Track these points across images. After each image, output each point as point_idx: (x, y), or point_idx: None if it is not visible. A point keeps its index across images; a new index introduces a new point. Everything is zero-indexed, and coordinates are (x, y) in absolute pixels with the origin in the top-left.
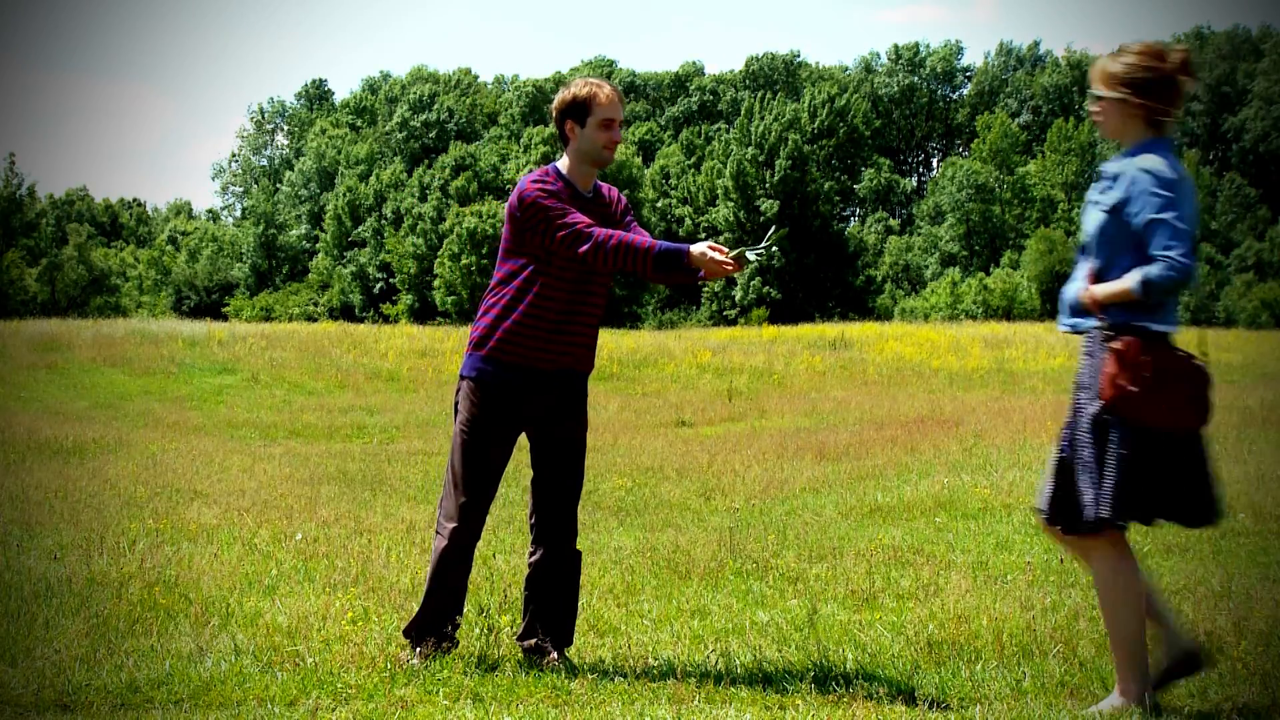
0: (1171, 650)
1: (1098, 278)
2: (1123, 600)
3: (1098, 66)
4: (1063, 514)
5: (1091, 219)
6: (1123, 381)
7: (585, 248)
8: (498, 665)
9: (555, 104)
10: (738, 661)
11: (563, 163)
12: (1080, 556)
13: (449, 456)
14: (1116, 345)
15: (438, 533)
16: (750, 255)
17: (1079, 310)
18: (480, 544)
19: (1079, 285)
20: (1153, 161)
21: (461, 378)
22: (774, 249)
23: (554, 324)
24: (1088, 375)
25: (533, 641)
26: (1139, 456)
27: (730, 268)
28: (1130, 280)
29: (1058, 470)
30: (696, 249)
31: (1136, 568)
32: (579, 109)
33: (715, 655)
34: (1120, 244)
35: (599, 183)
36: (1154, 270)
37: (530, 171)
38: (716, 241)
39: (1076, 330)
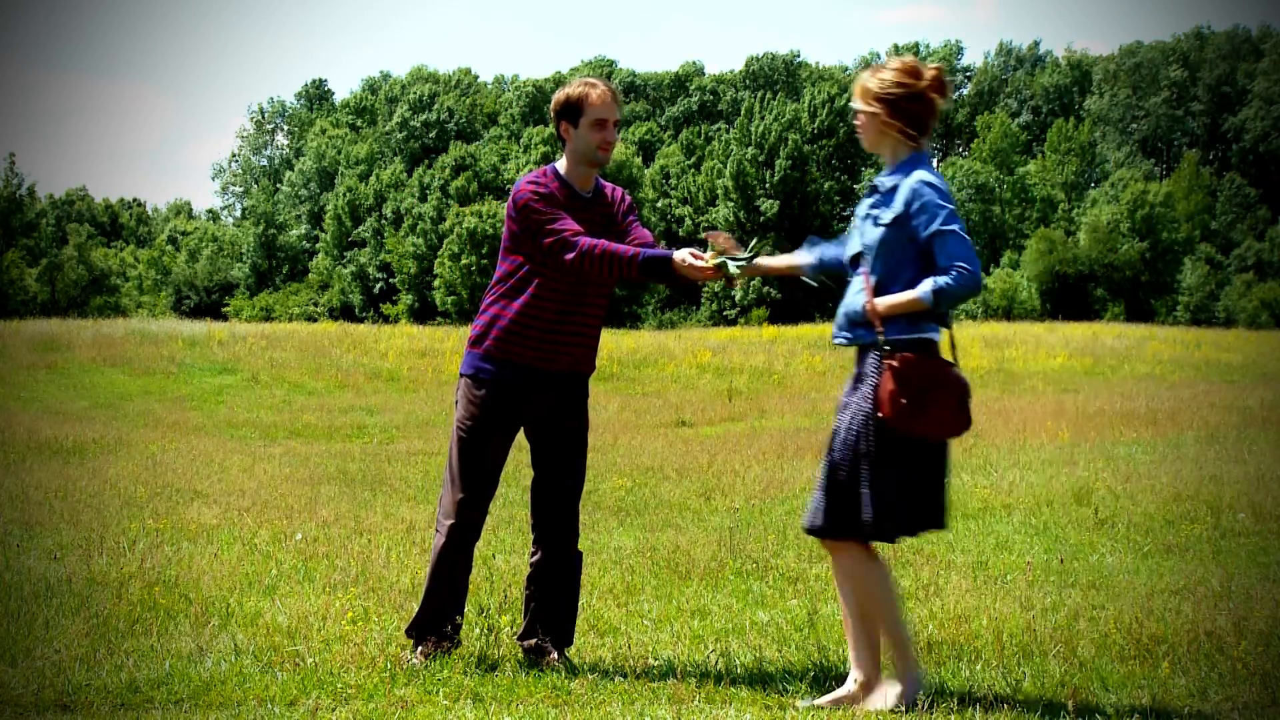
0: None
1: (878, 290)
2: (879, 588)
3: (858, 81)
4: (833, 525)
5: (870, 233)
6: (902, 399)
7: (571, 255)
8: (498, 665)
9: (551, 105)
10: (738, 661)
11: (561, 164)
12: (833, 554)
13: (448, 454)
14: (894, 362)
15: (437, 530)
16: (732, 267)
17: (859, 322)
18: (480, 544)
19: (860, 297)
20: (929, 175)
21: (460, 375)
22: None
23: (551, 323)
24: (863, 388)
25: (533, 641)
26: (912, 468)
27: (711, 273)
28: (921, 290)
29: (829, 482)
30: (678, 256)
31: (885, 566)
32: (572, 109)
33: (715, 655)
34: (902, 257)
35: (602, 182)
36: (947, 280)
37: (530, 172)
38: (721, 232)
39: (854, 343)
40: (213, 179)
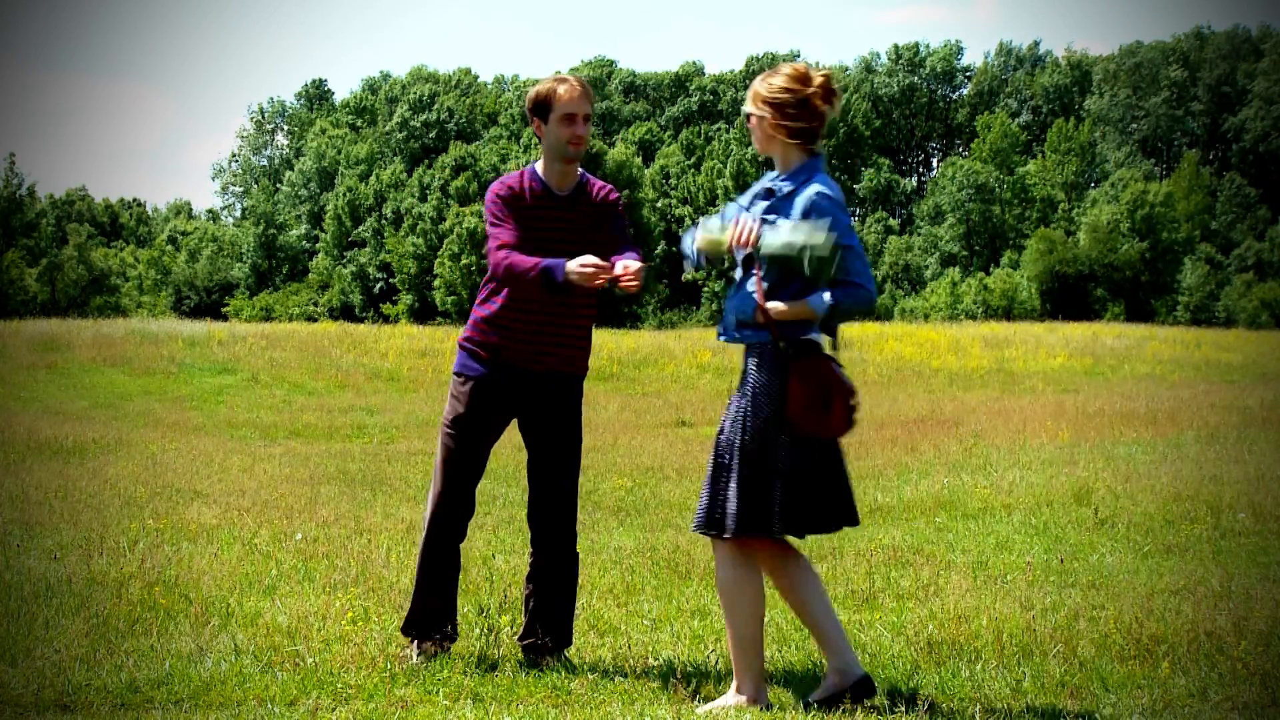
0: (838, 668)
1: (769, 295)
2: (743, 600)
3: (753, 85)
4: (716, 521)
5: (764, 239)
6: (809, 400)
7: (496, 270)
8: (498, 665)
9: (525, 102)
10: None
11: (540, 163)
12: (719, 557)
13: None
14: (800, 364)
15: (424, 526)
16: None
17: (748, 324)
18: (480, 544)
19: (751, 300)
20: (827, 187)
21: (453, 372)
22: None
23: (535, 323)
24: (758, 389)
25: (532, 641)
26: (812, 467)
27: (602, 280)
28: (816, 302)
29: (714, 480)
30: (571, 265)
31: (758, 573)
32: (542, 106)
33: (715, 655)
34: (796, 265)
35: (590, 179)
36: (843, 295)
37: (510, 173)
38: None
39: (742, 342)
40: (213, 179)
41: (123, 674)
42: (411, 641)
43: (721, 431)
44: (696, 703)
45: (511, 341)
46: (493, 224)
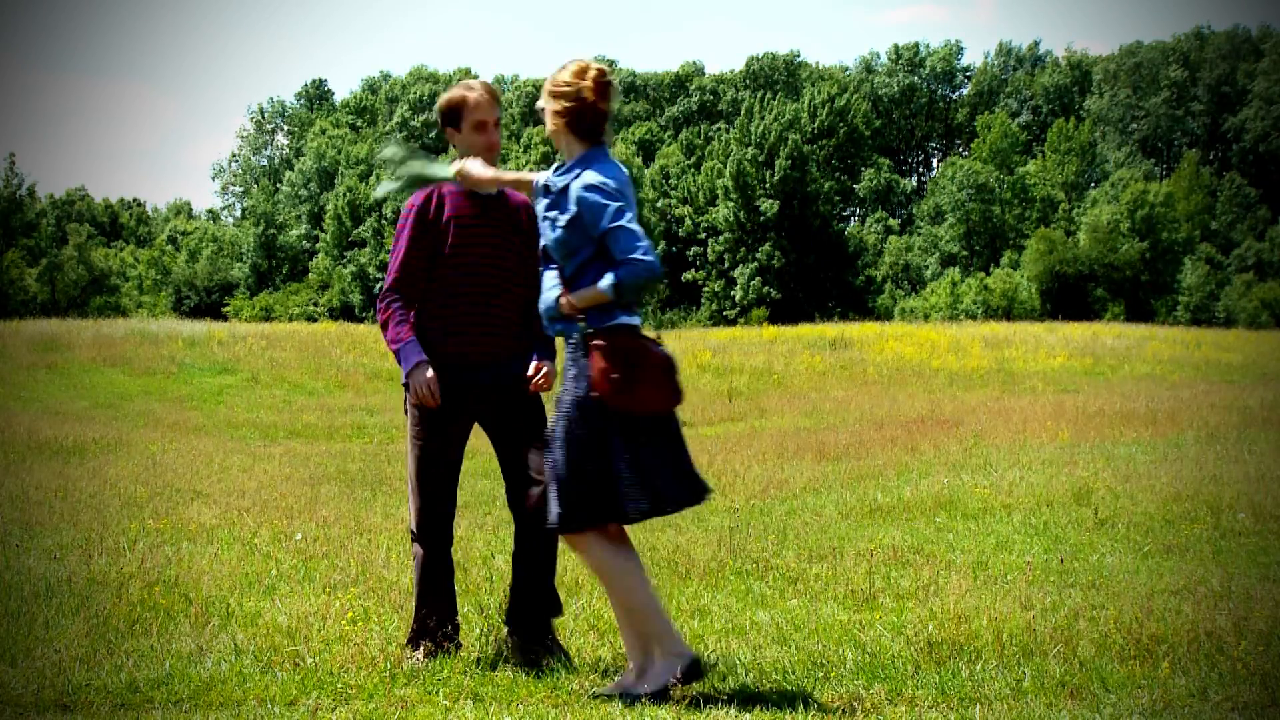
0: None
1: (571, 285)
2: (627, 574)
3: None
4: (572, 516)
5: (550, 234)
6: (614, 374)
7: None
8: (498, 665)
9: (435, 111)
10: (738, 661)
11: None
12: (579, 550)
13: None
14: (599, 342)
15: (413, 540)
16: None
17: (558, 318)
18: (479, 544)
19: (554, 294)
20: (594, 176)
21: None
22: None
23: (465, 311)
24: (577, 376)
25: (524, 633)
26: (634, 448)
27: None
28: (603, 284)
29: (556, 476)
30: (413, 379)
31: (632, 548)
32: (453, 114)
33: (715, 655)
34: (586, 255)
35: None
36: (622, 273)
37: None
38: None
39: (558, 335)
40: (213, 179)
41: (123, 674)
42: (415, 649)
43: (555, 424)
44: (698, 702)
45: (441, 333)
46: (395, 245)
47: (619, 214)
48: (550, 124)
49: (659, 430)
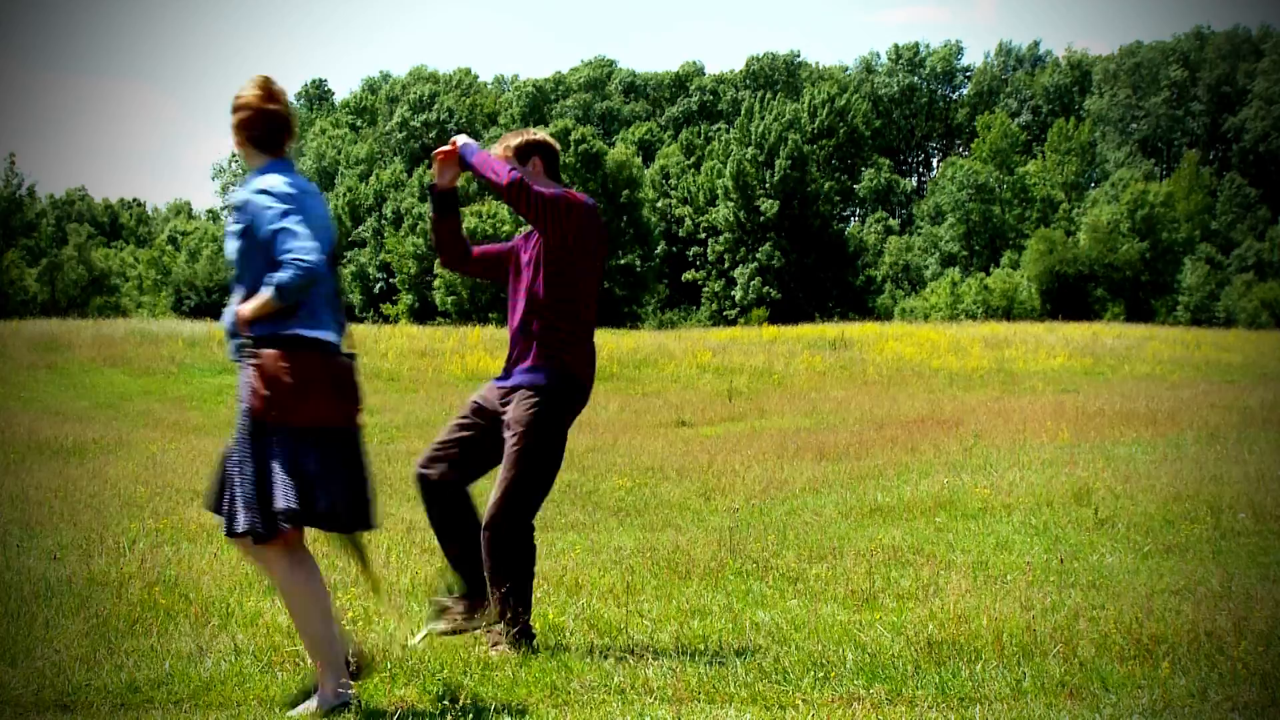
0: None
1: (246, 300)
2: (307, 598)
3: None
4: (250, 526)
5: (230, 246)
6: (266, 391)
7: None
8: (497, 665)
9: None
10: (738, 661)
11: None
12: (262, 564)
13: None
14: (254, 359)
15: (526, 534)
16: None
17: (233, 334)
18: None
19: (231, 310)
20: (267, 181)
21: None
22: None
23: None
24: (242, 388)
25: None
26: (294, 458)
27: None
28: (266, 289)
29: (223, 484)
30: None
31: (315, 567)
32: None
33: (715, 655)
34: (260, 263)
35: None
36: (282, 274)
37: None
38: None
39: (231, 355)
40: (213, 179)
41: (123, 674)
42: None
43: (233, 442)
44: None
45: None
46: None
47: (283, 216)
48: (234, 138)
49: (329, 442)
